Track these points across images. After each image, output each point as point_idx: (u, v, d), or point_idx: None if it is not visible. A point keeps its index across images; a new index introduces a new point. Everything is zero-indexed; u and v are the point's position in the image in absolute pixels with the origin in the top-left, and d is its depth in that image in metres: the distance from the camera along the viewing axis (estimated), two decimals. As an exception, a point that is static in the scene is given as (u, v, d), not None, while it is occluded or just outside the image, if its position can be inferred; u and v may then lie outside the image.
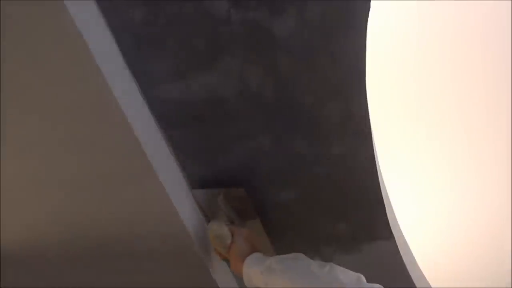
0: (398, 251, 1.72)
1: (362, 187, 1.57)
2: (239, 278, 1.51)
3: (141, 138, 1.32)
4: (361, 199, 1.60)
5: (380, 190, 1.57)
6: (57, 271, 1.71)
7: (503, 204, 2.72)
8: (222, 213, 1.60)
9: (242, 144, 1.52)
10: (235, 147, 1.53)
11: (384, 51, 2.47)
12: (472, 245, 2.88)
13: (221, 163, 1.57)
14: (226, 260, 1.59)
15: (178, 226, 1.50)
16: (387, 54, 2.52)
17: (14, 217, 1.54)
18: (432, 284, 2.02)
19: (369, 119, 1.44)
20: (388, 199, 1.71)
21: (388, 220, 1.64)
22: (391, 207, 1.76)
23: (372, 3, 1.24)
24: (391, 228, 1.66)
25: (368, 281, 1.33)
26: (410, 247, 1.92)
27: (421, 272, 1.97)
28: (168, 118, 1.47)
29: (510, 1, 2.35)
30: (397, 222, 1.81)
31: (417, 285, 1.83)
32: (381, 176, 1.62)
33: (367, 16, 1.25)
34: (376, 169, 1.54)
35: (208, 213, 1.63)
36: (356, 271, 1.34)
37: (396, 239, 1.69)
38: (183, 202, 1.53)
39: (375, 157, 1.52)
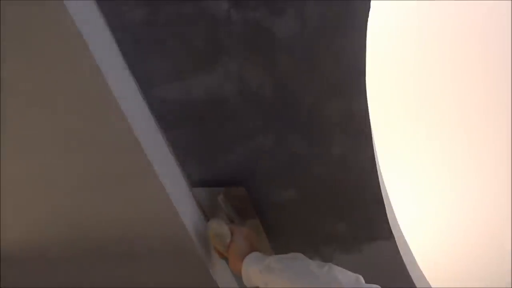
0: (398, 251, 1.72)
1: (362, 187, 1.57)
2: (238, 277, 1.52)
3: (141, 138, 1.31)
4: (361, 199, 1.60)
5: (380, 190, 1.57)
6: (57, 271, 1.71)
7: (503, 204, 2.73)
8: (222, 212, 1.61)
9: (242, 144, 1.52)
10: (235, 147, 1.53)
11: (384, 51, 2.47)
12: (472, 245, 2.88)
13: (221, 163, 1.57)
14: (225, 259, 1.59)
15: (178, 226, 1.50)
16: (387, 54, 2.52)
17: (14, 217, 1.54)
18: (432, 284, 2.02)
19: (369, 119, 1.44)
20: (388, 199, 1.71)
21: (388, 220, 1.64)
22: (391, 207, 1.76)
23: (372, 3, 1.24)
24: (391, 228, 1.66)
25: (368, 281, 1.33)
26: (410, 247, 1.92)
27: (421, 272, 1.97)
28: (168, 118, 1.47)
29: (510, 1, 2.35)
30: (397, 222, 1.81)
31: (417, 285, 1.83)
32: (381, 176, 1.63)
33: (367, 16, 1.25)
34: (376, 169, 1.54)
35: (208, 212, 1.63)
36: (356, 271, 1.34)
37: (396, 239, 1.69)
38: (183, 202, 1.52)
39: (375, 157, 1.53)
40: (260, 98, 1.42)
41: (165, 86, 1.40)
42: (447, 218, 2.92)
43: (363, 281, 1.32)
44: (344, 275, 1.31)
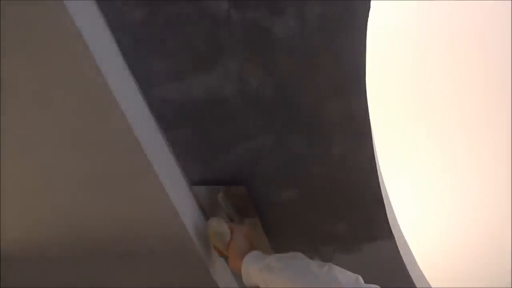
0: (398, 251, 1.72)
1: (362, 187, 1.57)
2: (237, 275, 1.52)
3: (141, 138, 1.31)
4: (361, 199, 1.60)
5: (380, 190, 1.57)
6: (57, 271, 1.71)
7: (503, 204, 2.72)
8: (222, 210, 1.61)
9: (242, 144, 1.52)
10: (235, 147, 1.53)
11: (384, 51, 2.47)
12: (472, 245, 2.88)
13: (221, 163, 1.57)
14: (225, 257, 1.59)
15: (178, 226, 1.50)
16: (387, 54, 2.52)
17: (14, 217, 1.54)
18: (432, 284, 2.02)
19: (369, 119, 1.44)
20: (388, 199, 1.71)
21: (388, 220, 1.64)
22: (391, 207, 1.76)
23: (372, 3, 1.24)
24: (391, 228, 1.66)
25: (368, 281, 1.33)
26: (410, 247, 1.92)
27: (421, 272, 1.97)
28: (168, 118, 1.47)
29: (510, 1, 2.35)
30: (397, 222, 1.81)
31: (417, 285, 1.83)
32: (381, 176, 1.63)
33: (367, 16, 1.25)
34: (376, 169, 1.54)
35: (208, 210, 1.63)
36: (356, 271, 1.34)
37: (396, 239, 1.69)
38: (183, 202, 1.52)
39: (375, 157, 1.53)
40: (260, 98, 1.42)
41: (165, 86, 1.40)
42: (447, 218, 2.92)
43: (362, 281, 1.32)
44: (343, 275, 1.31)
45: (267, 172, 1.58)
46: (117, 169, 1.38)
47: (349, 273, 1.33)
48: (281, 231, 1.72)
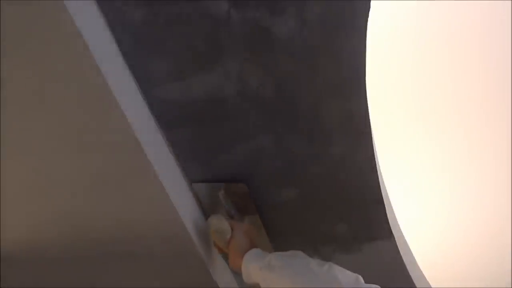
0: (398, 251, 1.72)
1: (362, 187, 1.57)
2: (237, 273, 1.52)
3: (141, 138, 1.31)
4: (361, 199, 1.60)
5: (380, 190, 1.57)
6: (57, 271, 1.71)
7: (503, 204, 2.72)
8: (222, 207, 1.60)
9: (242, 144, 1.52)
10: (235, 147, 1.53)
11: (384, 51, 2.47)
12: (472, 245, 2.88)
13: (221, 163, 1.57)
14: (225, 255, 1.59)
15: (178, 226, 1.50)
16: (387, 54, 2.52)
17: (14, 217, 1.54)
18: (432, 284, 2.02)
19: (369, 119, 1.44)
20: (388, 199, 1.71)
21: (388, 220, 1.64)
22: (391, 207, 1.76)
23: (372, 3, 1.24)
24: (391, 228, 1.66)
25: (368, 281, 1.33)
26: (410, 247, 1.92)
27: (421, 272, 1.98)
28: (168, 118, 1.47)
29: (510, 1, 2.35)
30: (397, 222, 1.81)
31: (417, 285, 1.83)
32: (381, 176, 1.63)
33: (367, 16, 1.25)
34: (376, 169, 1.54)
35: (208, 208, 1.63)
36: (356, 271, 1.34)
37: (396, 239, 1.69)
38: (183, 202, 1.53)
39: (375, 157, 1.53)
40: (260, 98, 1.42)
41: (165, 86, 1.40)
42: (447, 218, 2.92)
43: (362, 281, 1.32)
44: (343, 275, 1.31)
45: (267, 172, 1.58)
46: (117, 169, 1.38)
47: (349, 272, 1.33)
48: (280, 231, 1.72)
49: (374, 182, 1.55)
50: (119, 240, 1.58)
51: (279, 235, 1.72)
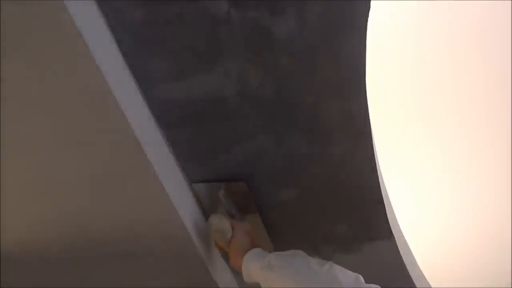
0: (398, 251, 1.72)
1: (362, 187, 1.57)
2: (238, 273, 1.52)
3: (141, 138, 1.31)
4: (361, 199, 1.60)
5: (380, 190, 1.57)
6: (57, 271, 1.71)
7: (503, 204, 2.72)
8: (223, 207, 1.60)
9: (242, 144, 1.52)
10: (235, 147, 1.53)
11: (384, 51, 2.47)
12: (472, 245, 2.88)
13: (221, 163, 1.57)
14: (225, 254, 1.59)
15: (178, 226, 1.50)
16: (387, 54, 2.52)
17: (14, 217, 1.54)
18: (432, 284, 2.02)
19: (369, 119, 1.44)
20: (388, 199, 1.72)
21: (388, 220, 1.64)
22: (391, 207, 1.76)
23: (372, 3, 1.24)
24: (391, 228, 1.66)
25: (368, 281, 1.33)
26: (410, 247, 1.92)
27: (421, 272, 1.98)
28: (168, 118, 1.47)
29: (510, 1, 2.35)
30: (397, 222, 1.81)
31: (417, 285, 1.83)
32: (381, 176, 1.63)
33: (367, 16, 1.25)
34: (376, 169, 1.54)
35: (208, 207, 1.62)
36: (356, 271, 1.34)
37: (396, 239, 1.69)
38: (183, 202, 1.52)
39: (375, 157, 1.53)
40: (260, 98, 1.42)
41: (165, 86, 1.40)
42: (447, 218, 2.92)
43: (363, 280, 1.32)
44: (344, 274, 1.31)
45: (267, 172, 1.58)
46: (117, 169, 1.38)
47: (350, 272, 1.33)
48: (280, 231, 1.72)
49: (374, 182, 1.55)
50: (119, 240, 1.58)
51: (279, 235, 1.72)
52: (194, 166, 1.57)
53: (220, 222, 1.54)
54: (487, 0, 2.44)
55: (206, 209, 1.63)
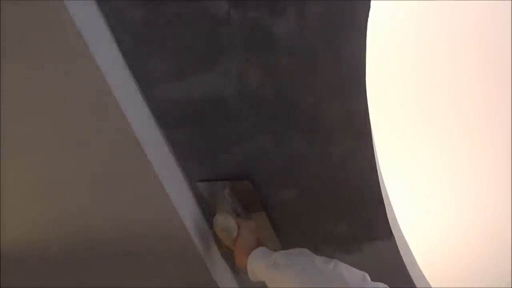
0: (398, 251, 1.72)
1: (362, 187, 1.57)
2: (243, 271, 1.51)
3: (141, 138, 1.31)
4: (361, 199, 1.60)
5: (380, 190, 1.57)
6: (57, 271, 1.71)
7: (503, 204, 2.72)
8: (228, 205, 1.60)
9: (242, 144, 1.52)
10: (235, 147, 1.53)
11: (384, 51, 2.47)
12: (472, 245, 2.88)
13: (221, 163, 1.57)
14: (226, 252, 1.58)
15: (178, 226, 1.50)
16: (387, 54, 2.52)
17: (14, 217, 1.54)
18: (432, 284, 2.02)
19: (369, 119, 1.44)
20: (388, 199, 1.71)
21: (388, 220, 1.64)
22: (391, 207, 1.76)
23: (372, 3, 1.24)
24: (391, 228, 1.66)
25: (368, 281, 1.32)
26: (410, 247, 1.92)
27: (421, 272, 1.97)
28: (168, 118, 1.47)
29: (510, 1, 2.35)
30: (397, 222, 1.81)
31: (417, 285, 1.83)
32: (381, 176, 1.63)
33: (367, 16, 1.25)
34: (376, 169, 1.54)
35: (214, 206, 1.62)
36: (356, 271, 1.34)
37: (396, 239, 1.69)
38: (183, 202, 1.52)
39: (375, 157, 1.53)
40: (260, 98, 1.42)
41: (165, 86, 1.40)
42: (447, 218, 2.92)
43: (369, 279, 1.31)
44: (349, 272, 1.30)
45: (267, 172, 1.58)
46: (117, 169, 1.38)
47: (356, 270, 1.32)
48: (280, 231, 1.72)
49: (374, 182, 1.55)
50: (119, 240, 1.58)
51: (279, 235, 1.72)
52: (194, 166, 1.57)
53: (225, 221, 1.53)
54: (487, 0, 2.44)
55: (211, 208, 1.63)
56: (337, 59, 1.33)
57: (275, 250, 1.47)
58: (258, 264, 1.43)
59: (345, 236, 1.70)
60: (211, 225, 1.66)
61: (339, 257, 1.72)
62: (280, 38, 1.30)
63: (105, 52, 1.23)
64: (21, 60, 1.16)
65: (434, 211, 2.91)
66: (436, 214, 2.91)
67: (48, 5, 1.07)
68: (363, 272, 1.32)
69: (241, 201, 1.62)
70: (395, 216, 1.78)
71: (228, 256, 1.73)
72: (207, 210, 1.65)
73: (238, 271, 1.76)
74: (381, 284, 1.28)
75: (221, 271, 1.69)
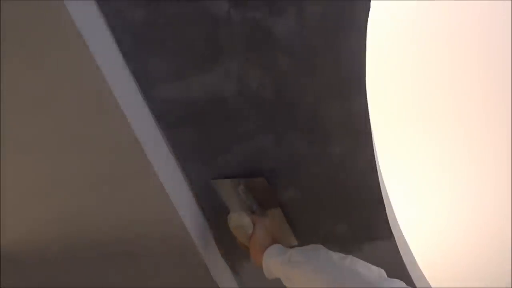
0: (398, 251, 1.72)
1: (362, 187, 1.57)
2: (258, 269, 1.50)
3: (141, 138, 1.31)
4: (361, 199, 1.60)
5: (380, 190, 1.57)
6: (57, 271, 1.71)
7: (503, 204, 2.72)
8: (243, 203, 1.59)
9: (242, 144, 1.52)
10: (235, 147, 1.53)
11: (384, 51, 2.47)
12: (472, 245, 2.88)
13: (221, 163, 1.57)
14: (246, 250, 1.58)
15: (178, 226, 1.50)
16: (387, 54, 2.52)
17: (15, 217, 1.54)
18: (432, 284, 2.02)
19: (369, 119, 1.44)
20: (388, 199, 1.71)
21: (388, 220, 1.64)
22: (391, 207, 1.76)
23: (372, 3, 1.24)
24: (391, 228, 1.66)
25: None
26: (410, 247, 1.92)
27: (421, 272, 1.97)
28: (168, 118, 1.47)
29: (510, 1, 2.35)
30: (397, 222, 1.81)
31: (417, 285, 1.83)
32: (381, 176, 1.63)
33: (367, 16, 1.25)
34: (376, 169, 1.54)
35: (228, 203, 1.61)
36: (356, 271, 1.34)
37: (396, 239, 1.69)
38: (183, 202, 1.53)
39: (375, 157, 1.53)
40: (260, 98, 1.42)
41: (165, 86, 1.40)
42: (447, 218, 2.92)
43: (385, 275, 1.30)
44: (365, 269, 1.29)
45: (267, 172, 1.58)
46: (117, 169, 1.38)
47: (372, 266, 1.30)
48: (281, 231, 1.72)
49: (374, 182, 1.55)
50: (119, 240, 1.58)
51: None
52: (194, 166, 1.57)
53: (239, 218, 1.53)
54: (487, 0, 2.44)
55: (227, 204, 1.62)
56: (337, 59, 1.33)
57: (291, 247, 1.46)
58: (273, 261, 1.42)
59: (345, 236, 1.70)
60: (211, 225, 1.66)
61: (339, 257, 1.72)
62: (280, 38, 1.30)
63: (105, 52, 1.24)
64: (21, 60, 1.16)
65: (434, 211, 2.91)
66: (436, 214, 2.91)
67: (48, 5, 1.07)
68: (379, 268, 1.31)
69: (256, 198, 1.61)
70: (395, 216, 1.78)
71: (228, 256, 1.73)
72: (207, 210, 1.65)
73: (239, 270, 1.76)
74: (397, 280, 1.27)
75: (221, 271, 1.69)
